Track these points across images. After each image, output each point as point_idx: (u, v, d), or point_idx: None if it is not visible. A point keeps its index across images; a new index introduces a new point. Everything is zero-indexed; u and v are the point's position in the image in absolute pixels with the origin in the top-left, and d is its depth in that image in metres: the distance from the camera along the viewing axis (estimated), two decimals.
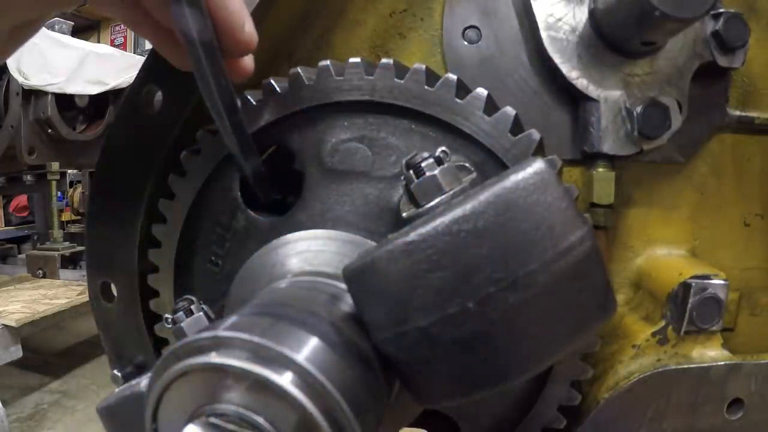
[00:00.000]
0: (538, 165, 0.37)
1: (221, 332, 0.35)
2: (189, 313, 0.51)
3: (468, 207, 0.37)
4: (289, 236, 0.52)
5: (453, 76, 0.52)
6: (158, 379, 0.36)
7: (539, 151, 0.53)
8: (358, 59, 0.53)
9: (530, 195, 0.37)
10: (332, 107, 0.53)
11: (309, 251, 0.51)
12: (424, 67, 0.52)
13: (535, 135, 0.52)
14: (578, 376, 0.58)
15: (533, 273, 0.36)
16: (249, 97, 0.54)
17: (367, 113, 0.54)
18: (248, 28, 0.49)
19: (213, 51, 0.46)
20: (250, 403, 0.34)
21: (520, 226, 0.36)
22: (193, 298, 0.52)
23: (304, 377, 0.33)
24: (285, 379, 0.33)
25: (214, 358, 0.34)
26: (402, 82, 0.52)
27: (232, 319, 0.39)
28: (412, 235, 0.37)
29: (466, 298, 0.36)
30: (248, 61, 0.51)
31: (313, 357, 0.35)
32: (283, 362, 0.34)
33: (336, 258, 0.50)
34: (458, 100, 0.52)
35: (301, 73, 0.53)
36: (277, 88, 0.53)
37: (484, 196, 0.37)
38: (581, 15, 0.63)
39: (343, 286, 0.45)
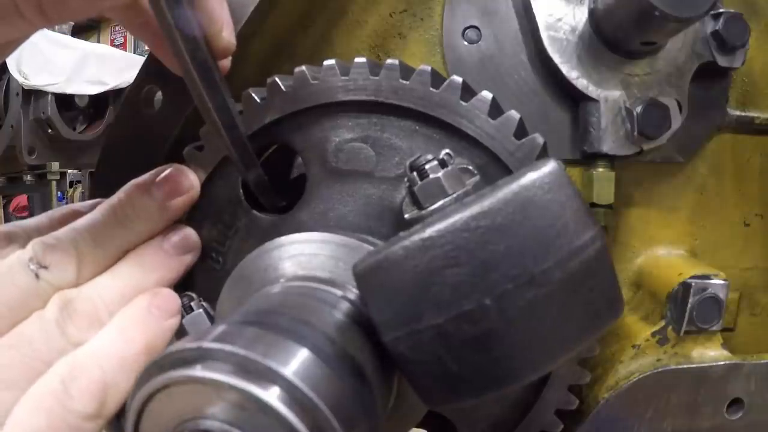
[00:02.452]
0: (552, 165, 0.38)
1: (206, 343, 0.34)
2: (189, 309, 0.51)
3: (486, 204, 0.37)
4: (283, 239, 0.51)
5: (458, 79, 0.52)
6: (139, 391, 0.35)
7: (543, 154, 0.53)
8: (363, 59, 0.53)
9: (546, 193, 0.37)
10: (337, 107, 0.53)
11: (302, 254, 0.50)
12: (429, 68, 0.52)
13: (539, 139, 0.52)
14: (576, 380, 0.58)
15: (549, 270, 0.36)
16: (253, 95, 0.54)
17: (372, 113, 0.54)
18: (226, 34, 0.49)
19: (209, 70, 0.46)
20: (235, 419, 0.32)
21: (537, 223, 0.37)
22: (194, 295, 0.52)
23: (292, 392, 0.32)
24: (272, 395, 0.32)
25: (197, 371, 0.32)
26: (407, 83, 0.52)
27: (219, 328, 0.37)
28: (429, 231, 0.37)
29: (483, 294, 0.36)
30: (224, 62, 0.52)
31: (302, 371, 0.33)
32: (270, 377, 0.32)
33: (330, 262, 0.49)
34: (463, 103, 0.52)
35: (307, 72, 0.53)
36: (282, 87, 0.53)
37: (502, 193, 0.37)
38: (581, 15, 0.63)
39: (337, 291, 0.44)
